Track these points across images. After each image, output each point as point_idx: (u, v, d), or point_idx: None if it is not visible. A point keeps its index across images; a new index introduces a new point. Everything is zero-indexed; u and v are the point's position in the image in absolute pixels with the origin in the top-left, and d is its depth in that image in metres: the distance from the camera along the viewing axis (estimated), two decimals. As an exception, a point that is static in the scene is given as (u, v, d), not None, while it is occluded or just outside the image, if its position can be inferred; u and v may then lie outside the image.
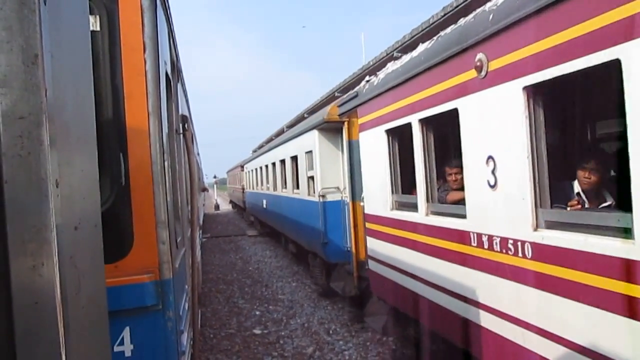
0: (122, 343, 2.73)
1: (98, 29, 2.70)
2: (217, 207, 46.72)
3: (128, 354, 2.74)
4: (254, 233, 23.40)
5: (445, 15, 7.93)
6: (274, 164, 16.24)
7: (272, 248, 18.35)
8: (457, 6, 7.48)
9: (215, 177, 61.01)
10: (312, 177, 10.52)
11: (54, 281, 0.89)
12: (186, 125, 4.46)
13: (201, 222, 17.53)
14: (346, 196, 9.01)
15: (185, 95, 7.10)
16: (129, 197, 2.78)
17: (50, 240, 0.89)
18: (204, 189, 28.47)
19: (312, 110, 16.16)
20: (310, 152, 10.34)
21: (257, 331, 8.55)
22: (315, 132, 9.87)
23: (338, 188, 9.45)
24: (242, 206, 31.48)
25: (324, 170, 9.60)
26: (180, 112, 4.83)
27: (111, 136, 2.76)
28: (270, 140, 23.71)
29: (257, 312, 9.73)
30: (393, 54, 10.07)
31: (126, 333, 2.74)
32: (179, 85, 5.26)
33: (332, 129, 9.48)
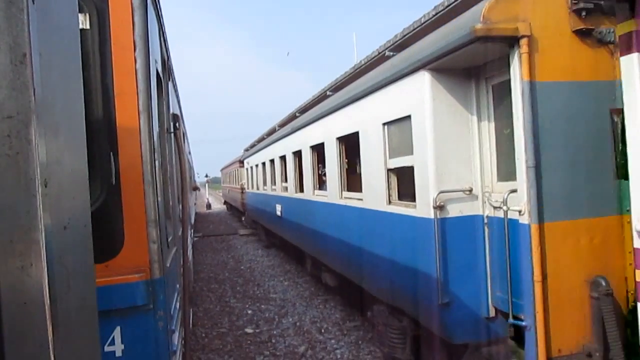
0: (112, 343, 2.72)
1: (88, 27, 2.69)
2: (208, 206, 46.59)
3: (119, 353, 2.73)
4: (245, 232, 23.33)
5: (437, 14, 7.95)
6: (297, 153, 11.13)
7: (263, 247, 18.32)
8: (449, 5, 7.51)
9: (207, 175, 60.84)
10: (395, 170, 6.03)
11: (43, 281, 0.89)
12: (177, 124, 4.44)
13: (192, 221, 17.48)
14: (498, 206, 4.67)
15: (177, 94, 7.08)
16: (119, 196, 2.77)
17: (38, 240, 0.88)
18: (196, 188, 28.14)
19: (304, 109, 13.83)
20: (405, 120, 5.51)
21: (249, 330, 8.53)
22: (425, 77, 4.99)
23: (471, 191, 4.98)
24: (241, 209, 26.29)
25: (442, 154, 4.96)
26: (171, 111, 4.82)
27: (101, 135, 2.75)
28: (261, 139, 19.26)
29: (249, 311, 9.72)
30: (385, 53, 10.07)
31: (117, 333, 2.73)
32: (170, 84, 5.24)
33: (458, 73, 5.02)
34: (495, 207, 4.79)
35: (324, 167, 9.24)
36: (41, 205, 0.90)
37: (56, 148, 1.04)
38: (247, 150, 24.61)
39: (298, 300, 10.41)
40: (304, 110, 12.44)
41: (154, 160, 2.93)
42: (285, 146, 12.36)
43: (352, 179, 8.35)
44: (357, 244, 7.20)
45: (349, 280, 7.91)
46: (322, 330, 8.30)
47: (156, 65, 3.46)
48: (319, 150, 9.45)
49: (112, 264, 2.75)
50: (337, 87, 10.92)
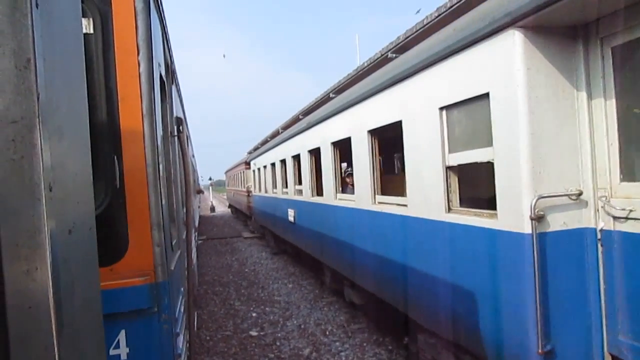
0: (117, 346, 2.72)
1: (91, 31, 2.70)
2: (212, 209, 46.74)
3: (124, 357, 2.73)
4: (249, 235, 23.33)
5: (439, 15, 7.95)
6: (314, 151, 9.89)
7: (267, 250, 18.33)
8: (451, 7, 7.50)
9: (210, 179, 61.18)
10: (456, 169, 4.69)
11: (48, 285, 0.89)
12: (181, 127, 4.45)
13: (196, 224, 17.51)
14: (623, 216, 3.48)
15: (180, 97, 7.09)
16: (124, 199, 2.78)
17: (43, 244, 0.89)
18: (200, 191, 28.06)
19: (307, 112, 13.24)
20: (478, 100, 4.22)
21: (254, 333, 8.53)
22: (515, 37, 3.71)
23: (579, 195, 3.74)
24: (248, 213, 24.89)
25: (540, 145, 3.71)
26: (174, 114, 4.83)
27: (105, 139, 2.76)
28: (270, 138, 17.38)
29: (254, 314, 9.71)
30: (387, 55, 10.07)
31: (122, 336, 2.73)
32: (174, 87, 5.26)
33: (560, 32, 3.74)
34: (616, 218, 3.51)
35: (349, 166, 8.03)
36: (46, 209, 0.90)
37: (60, 152, 1.04)
38: (253, 151, 23.54)
39: (302, 302, 10.40)
40: (321, 102, 11.29)
41: (158, 164, 2.94)
42: (299, 144, 10.89)
43: (389, 181, 7.27)
44: (399, 259, 5.84)
45: (383, 301, 6.64)
46: (327, 333, 8.29)
47: (159, 68, 3.47)
48: (342, 147, 8.16)
49: (116, 267, 2.75)
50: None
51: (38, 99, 0.90)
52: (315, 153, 9.77)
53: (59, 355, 0.91)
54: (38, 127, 0.90)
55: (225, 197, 57.72)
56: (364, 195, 6.93)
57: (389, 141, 7.08)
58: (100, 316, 1.32)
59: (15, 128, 0.88)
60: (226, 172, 44.08)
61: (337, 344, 7.74)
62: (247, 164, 23.94)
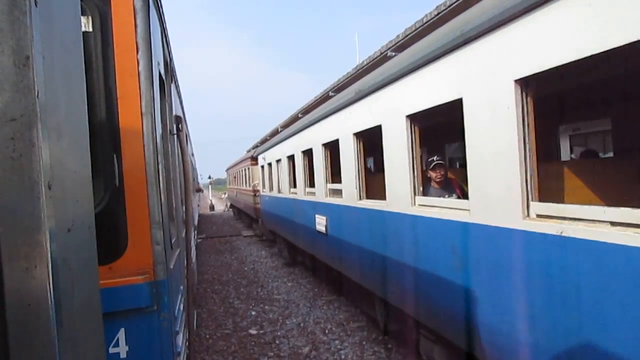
0: (117, 344, 2.72)
1: (90, 29, 2.70)
2: (212, 207, 46.77)
3: (123, 355, 2.74)
4: (249, 233, 23.30)
5: (439, 14, 7.94)
6: (365, 134, 6.89)
7: (267, 248, 18.33)
8: (451, 5, 7.49)
9: (210, 177, 61.25)
10: None
11: (47, 283, 0.89)
12: (180, 126, 4.45)
13: (196, 222, 17.50)
14: None
15: (179, 96, 7.09)
16: (123, 198, 2.78)
17: (42, 242, 0.89)
18: (199, 190, 27.89)
19: (306, 110, 13.05)
20: None
21: (253, 331, 8.53)
22: None
23: None
24: (254, 216, 21.59)
25: None
26: (174, 113, 4.82)
27: (104, 137, 2.75)
28: (290, 122, 14.46)
29: (253, 312, 9.72)
30: (387, 54, 10.06)
31: (121, 334, 2.73)
32: (173, 86, 5.25)
33: None
34: None
35: (436, 154, 5.55)
36: (45, 208, 0.90)
37: (60, 150, 1.04)
38: (262, 143, 20.78)
39: (302, 301, 10.40)
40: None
41: (157, 162, 2.94)
42: (337, 126, 7.92)
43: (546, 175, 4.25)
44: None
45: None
46: (326, 331, 8.30)
47: (159, 67, 3.47)
48: (428, 121, 5.50)
49: (116, 265, 2.75)
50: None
51: (37, 97, 0.90)
52: (367, 137, 6.87)
53: (59, 353, 0.91)
54: (37, 125, 0.90)
55: (224, 196, 57.37)
56: (498, 202, 3.82)
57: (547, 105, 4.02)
58: (100, 314, 1.32)
59: (14, 126, 0.87)
60: (227, 170, 39.92)
61: (337, 342, 7.75)
62: (254, 159, 20.60)
